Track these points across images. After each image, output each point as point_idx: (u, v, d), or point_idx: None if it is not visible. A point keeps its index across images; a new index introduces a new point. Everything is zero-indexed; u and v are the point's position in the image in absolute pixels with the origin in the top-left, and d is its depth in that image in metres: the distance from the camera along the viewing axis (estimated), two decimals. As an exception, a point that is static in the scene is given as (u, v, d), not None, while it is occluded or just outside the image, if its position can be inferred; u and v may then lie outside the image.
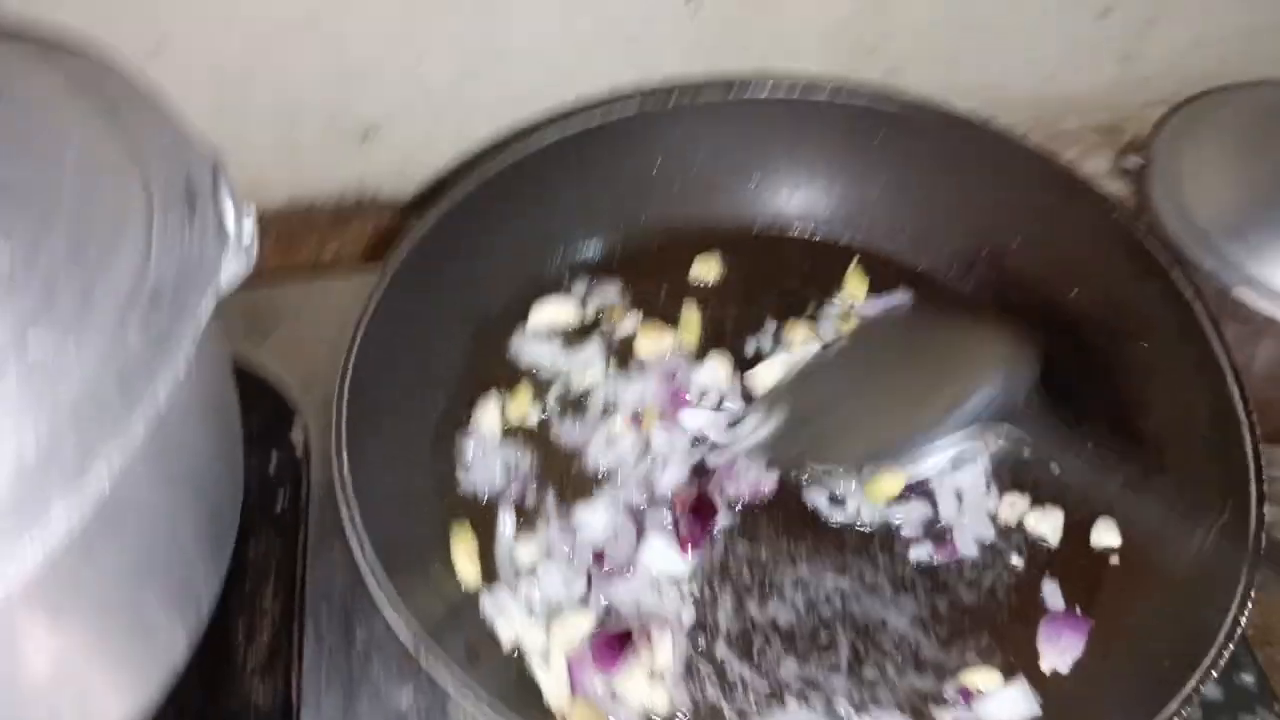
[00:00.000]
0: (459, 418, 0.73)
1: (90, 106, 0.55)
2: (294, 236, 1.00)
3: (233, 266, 0.51)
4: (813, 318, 0.79)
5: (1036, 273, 0.77)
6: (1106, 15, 0.96)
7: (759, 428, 0.72)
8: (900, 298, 0.80)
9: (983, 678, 0.63)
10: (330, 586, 0.69)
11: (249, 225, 0.52)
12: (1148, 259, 0.69)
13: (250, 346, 0.80)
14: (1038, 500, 0.70)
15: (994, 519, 0.70)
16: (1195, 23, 0.98)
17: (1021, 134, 0.78)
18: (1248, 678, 0.64)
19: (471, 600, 0.66)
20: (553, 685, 0.63)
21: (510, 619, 0.65)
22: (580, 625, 0.65)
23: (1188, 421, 0.65)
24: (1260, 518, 0.56)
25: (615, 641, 0.64)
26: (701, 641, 0.65)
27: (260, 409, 0.75)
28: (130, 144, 0.53)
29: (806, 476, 0.70)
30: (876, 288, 0.80)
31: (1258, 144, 0.81)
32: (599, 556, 0.68)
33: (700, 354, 0.77)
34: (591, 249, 0.82)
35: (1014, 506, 0.70)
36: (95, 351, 0.45)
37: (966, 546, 0.69)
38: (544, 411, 0.75)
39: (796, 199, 0.83)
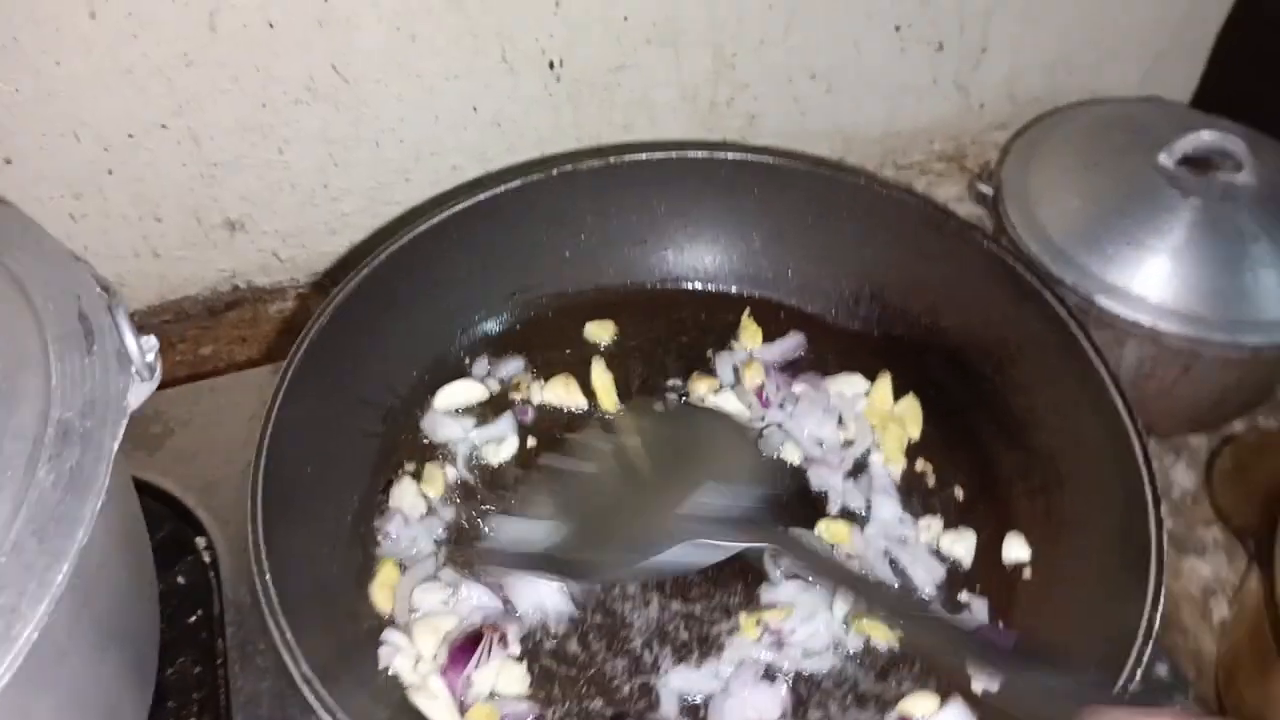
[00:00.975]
0: (375, 507, 0.72)
1: (-41, 239, 0.53)
2: (168, 337, 0.98)
3: (139, 389, 0.50)
4: (713, 369, 0.81)
5: (917, 305, 0.80)
6: (941, 50, 1.02)
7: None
8: (793, 340, 0.83)
9: (922, 704, 0.64)
10: (257, 698, 0.67)
11: (150, 343, 0.51)
12: (1020, 282, 0.72)
13: (143, 459, 0.77)
14: (949, 524, 0.72)
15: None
16: (1018, 53, 1.04)
17: (884, 175, 0.82)
18: (1161, 668, 0.67)
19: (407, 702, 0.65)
20: (440, 711, 0.63)
21: (405, 657, 0.65)
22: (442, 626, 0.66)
23: (1077, 433, 0.68)
24: (1159, 520, 0.59)
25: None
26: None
27: (161, 523, 0.73)
28: (11, 277, 0.51)
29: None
30: (770, 334, 0.83)
31: (1095, 159, 0.86)
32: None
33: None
34: (490, 323, 0.82)
35: (929, 529, 0.72)
36: (7, 498, 0.43)
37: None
38: (459, 485, 0.75)
39: (685, 255, 0.85)
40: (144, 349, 0.50)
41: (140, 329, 0.93)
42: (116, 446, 0.47)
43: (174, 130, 0.85)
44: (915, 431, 0.78)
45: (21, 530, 0.43)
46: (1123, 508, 0.62)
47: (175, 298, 0.97)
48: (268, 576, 0.56)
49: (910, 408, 0.78)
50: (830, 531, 0.72)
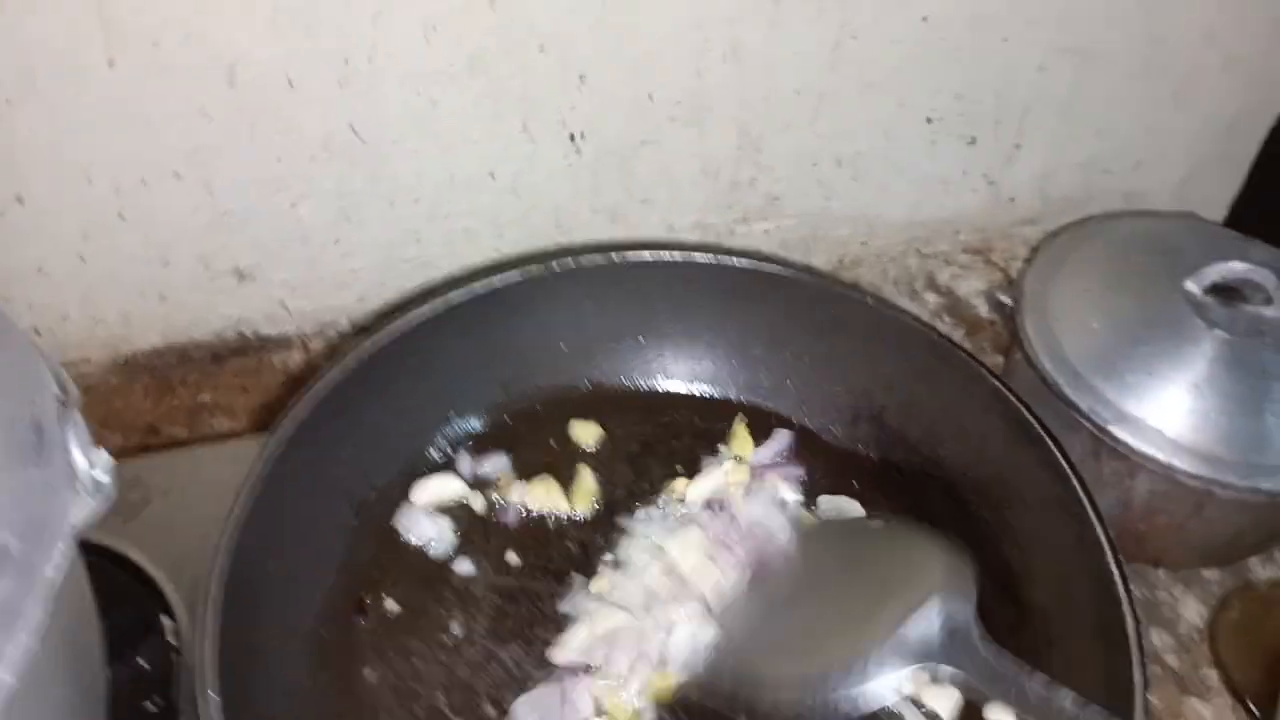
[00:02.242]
0: (344, 606, 0.70)
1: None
2: (169, 380, 0.97)
3: (86, 508, 0.48)
4: (699, 474, 0.79)
5: (918, 433, 0.77)
6: (974, 143, 0.99)
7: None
8: (783, 439, 0.80)
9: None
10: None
11: (103, 459, 0.49)
12: (1024, 426, 0.69)
13: (117, 525, 0.75)
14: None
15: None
16: (1053, 151, 1.02)
17: (906, 262, 0.79)
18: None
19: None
20: None
21: None
22: None
23: (1071, 596, 0.65)
24: (1145, 707, 0.56)
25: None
26: None
27: (127, 599, 0.71)
28: (-29, 372, 0.50)
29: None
30: (762, 443, 0.80)
31: (1121, 280, 0.84)
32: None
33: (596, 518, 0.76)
34: (476, 415, 0.80)
35: (914, 679, 0.67)
36: (-70, 632, 0.42)
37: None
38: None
39: (682, 358, 0.83)
40: (94, 464, 0.49)
41: (142, 369, 0.96)
42: (53, 575, 0.45)
43: (187, 178, 0.84)
44: None
45: (-58, 666, 0.41)
46: (1109, 687, 0.59)
47: (180, 341, 0.97)
48: (210, 690, 0.54)
49: None
50: None
